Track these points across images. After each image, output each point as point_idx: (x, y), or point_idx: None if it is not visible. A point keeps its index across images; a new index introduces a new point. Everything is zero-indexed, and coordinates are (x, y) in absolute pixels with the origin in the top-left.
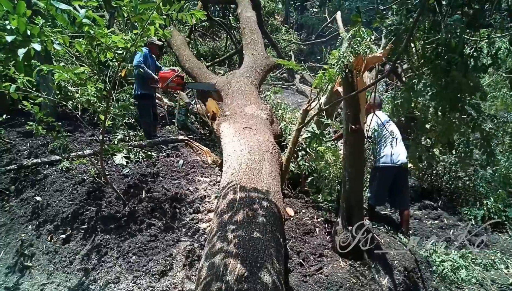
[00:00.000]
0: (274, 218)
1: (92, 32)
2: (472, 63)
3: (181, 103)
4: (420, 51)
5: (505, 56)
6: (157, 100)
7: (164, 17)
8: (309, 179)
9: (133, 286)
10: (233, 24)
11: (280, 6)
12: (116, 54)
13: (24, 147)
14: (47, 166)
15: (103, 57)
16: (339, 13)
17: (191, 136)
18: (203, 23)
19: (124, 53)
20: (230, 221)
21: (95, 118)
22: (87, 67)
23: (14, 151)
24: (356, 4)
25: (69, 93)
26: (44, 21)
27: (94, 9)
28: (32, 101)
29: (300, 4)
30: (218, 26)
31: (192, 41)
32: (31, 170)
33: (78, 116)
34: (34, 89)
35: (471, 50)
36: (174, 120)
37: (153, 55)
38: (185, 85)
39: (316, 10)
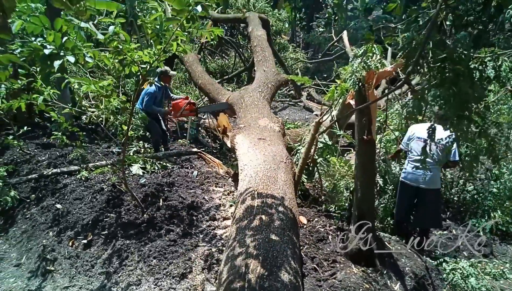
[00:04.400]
0: (290, 222)
1: (120, 47)
2: (478, 75)
3: (193, 118)
4: (430, 64)
5: (507, 73)
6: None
7: (186, 33)
8: (325, 184)
9: (154, 288)
10: (241, 43)
11: (287, 25)
12: (141, 68)
13: (43, 158)
14: (66, 175)
15: (128, 70)
16: (345, 32)
17: (203, 149)
18: (212, 41)
19: (148, 67)
20: (249, 225)
21: (112, 130)
22: (110, 80)
23: (34, 161)
24: (361, 24)
25: (83, 107)
26: (76, 36)
27: (107, 26)
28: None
29: (306, 24)
30: (227, 44)
31: (201, 59)
32: (50, 179)
33: (102, 126)
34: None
35: (477, 64)
36: (185, 134)
37: (166, 85)
38: (197, 110)
39: (322, 29)
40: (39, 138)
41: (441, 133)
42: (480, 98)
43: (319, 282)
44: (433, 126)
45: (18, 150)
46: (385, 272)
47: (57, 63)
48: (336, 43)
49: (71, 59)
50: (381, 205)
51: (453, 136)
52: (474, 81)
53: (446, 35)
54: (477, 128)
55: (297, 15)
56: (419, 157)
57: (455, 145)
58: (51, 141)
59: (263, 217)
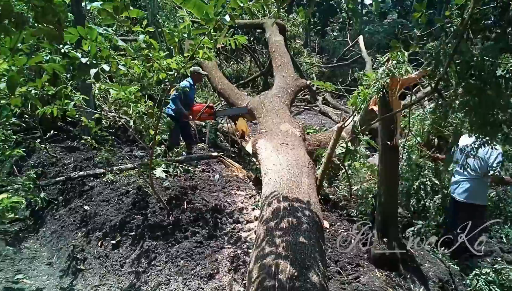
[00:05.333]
0: (315, 226)
1: (151, 55)
2: (504, 83)
3: (211, 123)
4: (457, 72)
5: None
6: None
7: (212, 41)
8: (354, 188)
9: (183, 287)
10: (256, 48)
11: (301, 30)
12: (169, 75)
13: (69, 161)
14: (92, 178)
15: (156, 77)
16: (361, 37)
17: (221, 153)
18: (227, 46)
19: (176, 74)
20: (276, 227)
21: (136, 135)
22: (137, 86)
23: (60, 164)
24: (377, 29)
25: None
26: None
27: (125, 33)
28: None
29: (321, 29)
30: (242, 49)
31: (217, 64)
32: (77, 182)
33: (129, 129)
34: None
35: (503, 72)
36: (204, 138)
37: (195, 86)
38: (215, 114)
39: (337, 34)
40: (64, 142)
41: (467, 140)
42: (506, 106)
43: (343, 285)
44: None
45: (44, 153)
46: (408, 276)
47: (93, 71)
48: (351, 48)
49: (106, 67)
50: (434, 204)
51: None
52: (501, 89)
53: (473, 44)
54: (503, 135)
55: (312, 20)
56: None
57: (495, 156)
58: (76, 145)
59: (290, 219)
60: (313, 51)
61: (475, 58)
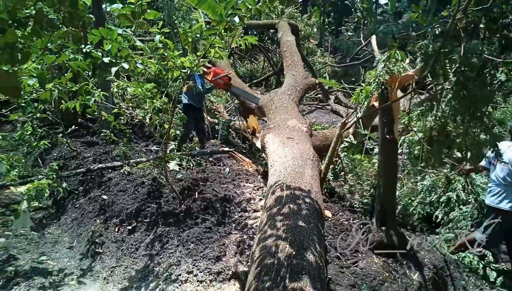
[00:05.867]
0: (315, 212)
1: (166, 54)
2: (489, 79)
3: (224, 120)
4: (446, 69)
5: None
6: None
7: (223, 41)
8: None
9: (192, 268)
10: (270, 47)
11: (315, 30)
12: (182, 73)
13: (89, 154)
14: (110, 170)
15: (170, 75)
16: (373, 36)
17: (233, 149)
18: (241, 46)
19: (189, 72)
20: (278, 212)
21: (152, 130)
22: (152, 84)
23: (80, 157)
24: (391, 29)
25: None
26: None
27: (143, 34)
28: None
29: (335, 28)
30: (256, 48)
31: (232, 63)
32: (96, 174)
33: (146, 125)
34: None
35: (488, 69)
36: (216, 135)
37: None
38: (230, 86)
39: (351, 34)
40: (84, 137)
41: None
42: (488, 101)
43: (342, 269)
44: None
45: (66, 147)
46: (404, 262)
47: (114, 70)
48: (364, 47)
49: (126, 66)
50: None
51: None
52: (485, 84)
53: (462, 42)
54: (484, 126)
55: (326, 20)
56: (494, 177)
57: None
58: (95, 139)
59: (291, 206)
60: (326, 50)
61: (461, 57)
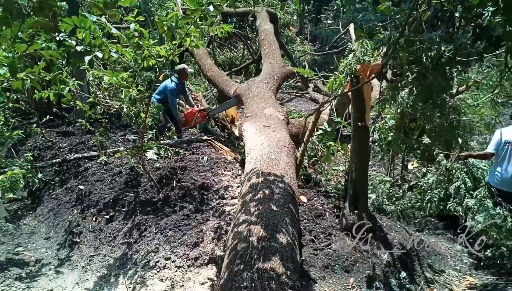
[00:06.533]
0: (289, 197)
1: (141, 42)
2: (446, 68)
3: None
4: (405, 59)
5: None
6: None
7: (199, 30)
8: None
9: (170, 254)
10: (249, 35)
11: (295, 18)
12: (158, 62)
13: (64, 144)
14: (86, 160)
15: (146, 64)
16: (352, 25)
17: (212, 138)
18: (222, 35)
19: (164, 60)
20: (253, 198)
21: (128, 119)
22: (128, 73)
23: (56, 148)
24: (369, 17)
25: (96, 100)
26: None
27: (119, 21)
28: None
29: (314, 16)
30: (235, 36)
31: (210, 52)
32: (73, 164)
33: (123, 113)
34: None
35: (444, 60)
36: None
37: (183, 82)
38: (209, 115)
39: (330, 22)
40: (59, 127)
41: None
42: (444, 89)
43: (316, 251)
44: None
45: (40, 137)
46: (375, 243)
47: (87, 58)
48: (343, 36)
49: (99, 54)
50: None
51: None
52: (442, 73)
53: (423, 33)
54: (440, 112)
55: (305, 8)
56: (506, 161)
57: None
58: (71, 129)
59: (266, 191)
60: (306, 39)
61: (418, 47)
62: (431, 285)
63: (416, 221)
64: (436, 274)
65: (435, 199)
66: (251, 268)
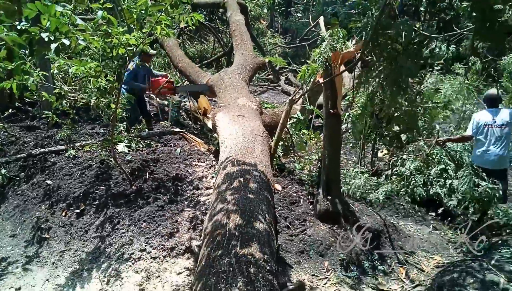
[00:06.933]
0: (264, 184)
1: (110, 30)
2: (415, 53)
3: (173, 101)
4: (377, 43)
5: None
6: (148, 99)
7: (169, 18)
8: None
9: (145, 246)
10: (220, 28)
11: (266, 11)
12: (128, 50)
13: (29, 139)
14: (54, 154)
15: (115, 52)
16: (321, 18)
17: (184, 130)
18: (191, 26)
19: (135, 49)
20: (229, 186)
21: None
22: (96, 62)
23: (20, 143)
24: (339, 10)
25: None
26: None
27: (84, 11)
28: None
29: (284, 9)
30: (205, 29)
31: (180, 44)
32: (39, 158)
33: (91, 105)
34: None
35: (414, 45)
36: (167, 116)
37: (146, 64)
38: (175, 89)
39: (300, 15)
40: (22, 121)
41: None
42: (412, 73)
43: (291, 237)
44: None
45: (3, 132)
46: (348, 227)
47: (53, 46)
48: (313, 29)
49: (66, 42)
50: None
51: None
52: (412, 56)
53: (396, 20)
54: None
55: (276, 1)
56: (487, 141)
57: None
58: (35, 124)
59: (241, 180)
60: (276, 32)
61: (391, 32)
62: (402, 265)
63: (388, 206)
64: (407, 255)
65: (420, 184)
66: (229, 254)
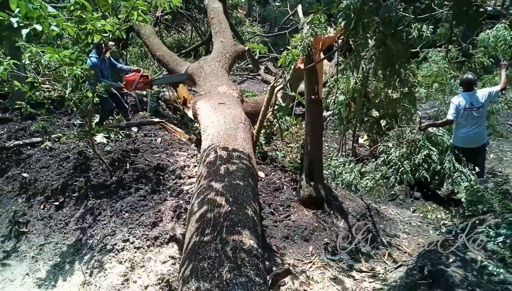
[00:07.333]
0: (249, 171)
1: (84, 16)
2: (404, 36)
3: (152, 91)
4: (365, 26)
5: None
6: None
7: (146, 3)
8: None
9: (128, 236)
10: (197, 17)
11: None
12: (103, 37)
13: (2, 131)
14: (28, 147)
15: (90, 39)
16: (300, 6)
17: (164, 120)
18: (167, 15)
19: (111, 36)
20: (213, 173)
21: (74, 102)
22: (71, 50)
23: None
24: None
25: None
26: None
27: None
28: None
29: None
30: (183, 18)
31: (157, 33)
32: (13, 151)
33: (66, 98)
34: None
35: (404, 27)
36: (145, 107)
37: (109, 56)
38: (151, 82)
39: (279, 3)
40: None
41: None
42: (403, 55)
43: (276, 223)
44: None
45: None
46: (332, 212)
47: (25, 32)
48: (291, 17)
49: (38, 27)
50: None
51: None
52: (401, 40)
53: (381, 2)
54: (399, 79)
55: None
56: (468, 124)
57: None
58: (8, 116)
59: (225, 166)
60: (255, 20)
61: (380, 15)
62: (385, 247)
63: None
64: (389, 237)
65: (408, 170)
66: (215, 240)
